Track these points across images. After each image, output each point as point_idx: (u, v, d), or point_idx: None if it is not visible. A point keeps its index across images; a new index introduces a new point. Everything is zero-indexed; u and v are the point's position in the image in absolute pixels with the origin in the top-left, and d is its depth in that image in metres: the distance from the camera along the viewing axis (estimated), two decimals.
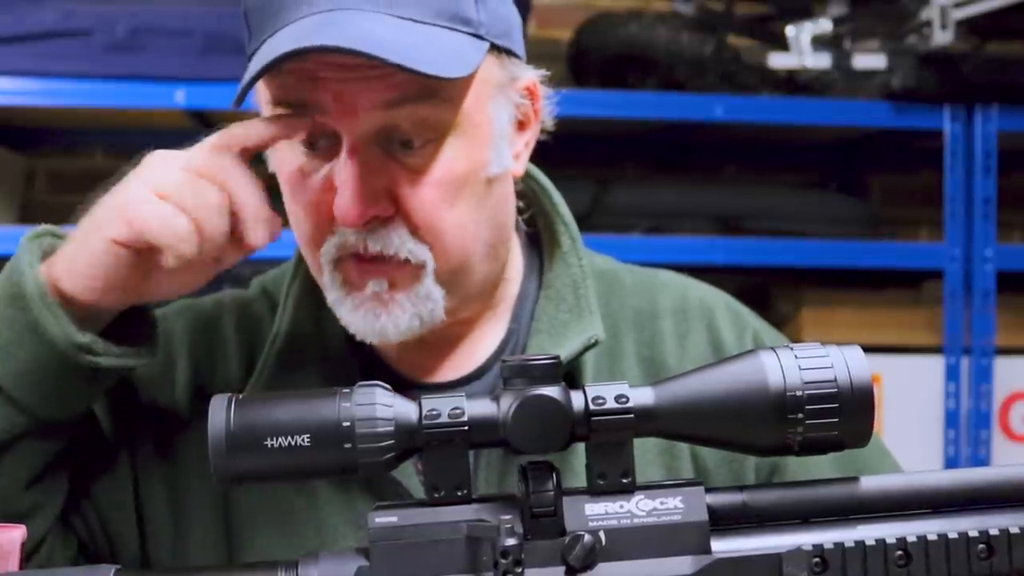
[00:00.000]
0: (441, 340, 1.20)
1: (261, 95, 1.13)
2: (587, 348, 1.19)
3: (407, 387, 1.19)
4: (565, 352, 1.17)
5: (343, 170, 1.07)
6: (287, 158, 1.12)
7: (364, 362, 1.21)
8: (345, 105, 1.06)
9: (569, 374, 1.18)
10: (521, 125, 1.18)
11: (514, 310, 1.25)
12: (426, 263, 1.11)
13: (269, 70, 1.03)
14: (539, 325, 1.21)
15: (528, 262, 1.27)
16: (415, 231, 1.10)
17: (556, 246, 1.26)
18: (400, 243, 1.10)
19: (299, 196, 1.12)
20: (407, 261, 1.10)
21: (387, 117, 1.07)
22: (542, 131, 1.21)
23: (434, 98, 1.07)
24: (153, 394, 1.22)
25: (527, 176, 1.25)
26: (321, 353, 1.20)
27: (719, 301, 1.30)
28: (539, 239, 1.28)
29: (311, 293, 1.22)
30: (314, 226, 1.12)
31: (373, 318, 1.12)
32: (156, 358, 1.15)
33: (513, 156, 1.17)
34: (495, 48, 1.11)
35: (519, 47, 1.16)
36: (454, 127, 1.09)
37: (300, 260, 1.24)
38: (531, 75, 1.18)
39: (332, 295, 1.14)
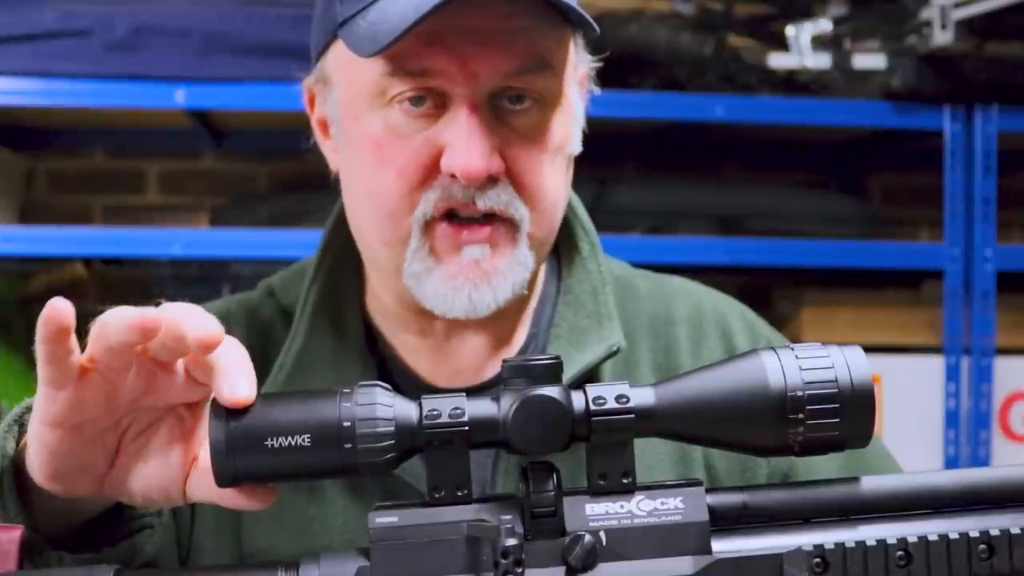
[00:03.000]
0: (469, 340, 1.20)
1: (348, 72, 1.12)
2: (608, 356, 1.18)
3: (426, 392, 1.18)
4: (586, 359, 1.17)
5: (465, 126, 1.08)
6: (375, 123, 1.11)
7: (382, 365, 1.21)
8: (469, 71, 1.07)
9: (587, 382, 1.17)
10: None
11: (534, 315, 1.24)
12: (523, 222, 1.12)
13: (439, 7, 1.01)
14: (558, 331, 1.21)
15: (547, 267, 1.27)
16: (520, 191, 1.11)
17: (575, 251, 1.26)
18: (509, 199, 1.11)
19: (392, 156, 1.11)
20: (508, 220, 1.11)
21: (505, 84, 1.09)
22: None
23: (547, 68, 1.10)
24: None
25: None
26: (339, 358, 1.19)
27: (734, 310, 1.30)
28: (557, 244, 1.27)
29: (332, 295, 1.21)
30: (408, 188, 1.11)
31: (471, 288, 1.11)
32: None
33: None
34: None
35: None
36: (559, 98, 1.13)
37: (321, 260, 1.23)
38: (586, 65, 1.21)
39: (415, 266, 1.12)
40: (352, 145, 1.14)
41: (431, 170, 1.10)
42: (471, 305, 1.11)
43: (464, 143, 1.07)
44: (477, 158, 1.07)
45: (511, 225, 1.12)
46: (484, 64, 1.07)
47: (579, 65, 1.19)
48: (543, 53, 1.10)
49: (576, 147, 1.18)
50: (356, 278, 1.24)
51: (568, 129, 1.16)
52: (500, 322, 1.19)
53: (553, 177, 1.14)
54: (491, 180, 1.09)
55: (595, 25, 1.09)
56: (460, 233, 1.11)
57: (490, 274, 1.11)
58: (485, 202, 1.10)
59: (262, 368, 1.20)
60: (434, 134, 1.09)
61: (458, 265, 1.11)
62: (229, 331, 1.22)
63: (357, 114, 1.12)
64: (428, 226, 1.11)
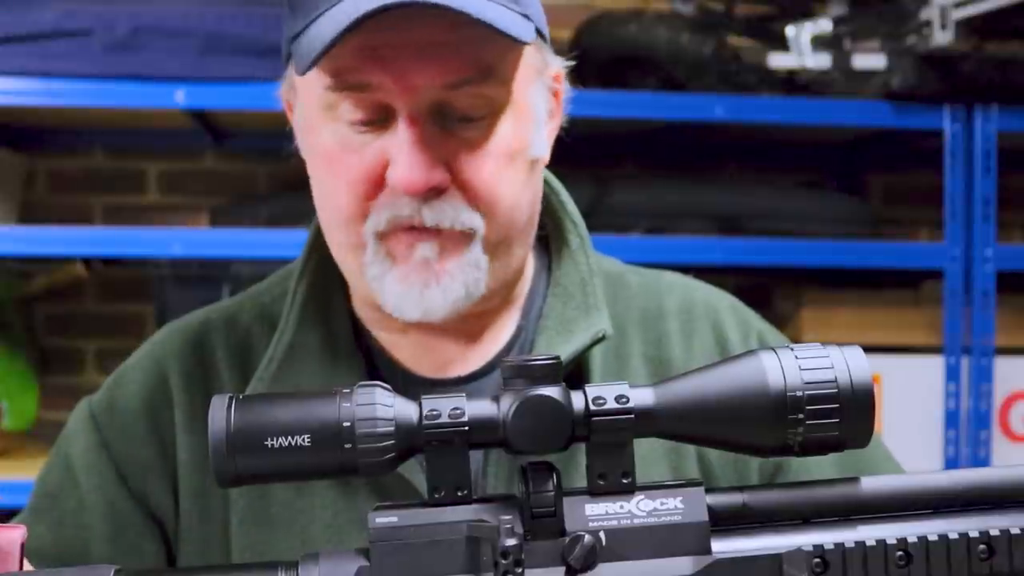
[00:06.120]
0: (451, 337, 1.20)
1: (303, 85, 1.13)
2: (594, 343, 1.19)
3: (414, 384, 1.19)
4: (572, 347, 1.17)
5: (404, 139, 1.08)
6: (327, 135, 1.12)
7: (370, 360, 1.22)
8: (407, 85, 1.07)
9: (577, 372, 1.18)
10: (550, 115, 1.20)
11: (524, 308, 1.25)
12: (476, 231, 1.11)
13: (360, 23, 1.01)
14: (547, 322, 1.21)
15: (537, 261, 1.28)
16: (471, 201, 1.11)
17: (564, 245, 1.26)
18: (455, 214, 1.10)
19: (342, 169, 1.11)
20: (460, 232, 1.11)
21: (447, 96, 1.08)
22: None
23: (492, 78, 1.09)
24: (156, 420, 1.22)
25: None
26: (328, 351, 1.20)
27: (724, 302, 1.31)
28: (547, 238, 1.28)
29: (319, 291, 1.22)
30: (358, 200, 1.11)
31: (421, 287, 1.11)
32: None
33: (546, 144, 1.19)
34: (537, 32, 1.13)
35: (547, 35, 1.18)
36: (506, 106, 1.12)
37: (308, 258, 1.24)
38: (557, 64, 1.20)
39: (374, 270, 1.13)
40: (310, 156, 1.16)
41: (379, 182, 1.10)
42: (422, 308, 1.12)
43: (404, 157, 1.08)
44: (416, 172, 1.07)
45: (463, 234, 1.12)
46: (422, 77, 1.07)
47: (548, 66, 1.18)
48: (490, 61, 1.09)
49: (540, 150, 1.17)
50: (341, 275, 1.24)
51: (526, 134, 1.14)
52: (480, 318, 1.20)
53: (510, 183, 1.13)
54: (436, 192, 1.09)
55: (526, 38, 1.07)
56: (413, 237, 1.11)
57: (439, 275, 1.12)
58: (433, 217, 1.10)
59: (242, 373, 1.22)
60: (380, 147, 1.10)
61: (409, 267, 1.12)
62: (209, 342, 1.25)
63: (312, 126, 1.13)
64: (383, 235, 1.12)
